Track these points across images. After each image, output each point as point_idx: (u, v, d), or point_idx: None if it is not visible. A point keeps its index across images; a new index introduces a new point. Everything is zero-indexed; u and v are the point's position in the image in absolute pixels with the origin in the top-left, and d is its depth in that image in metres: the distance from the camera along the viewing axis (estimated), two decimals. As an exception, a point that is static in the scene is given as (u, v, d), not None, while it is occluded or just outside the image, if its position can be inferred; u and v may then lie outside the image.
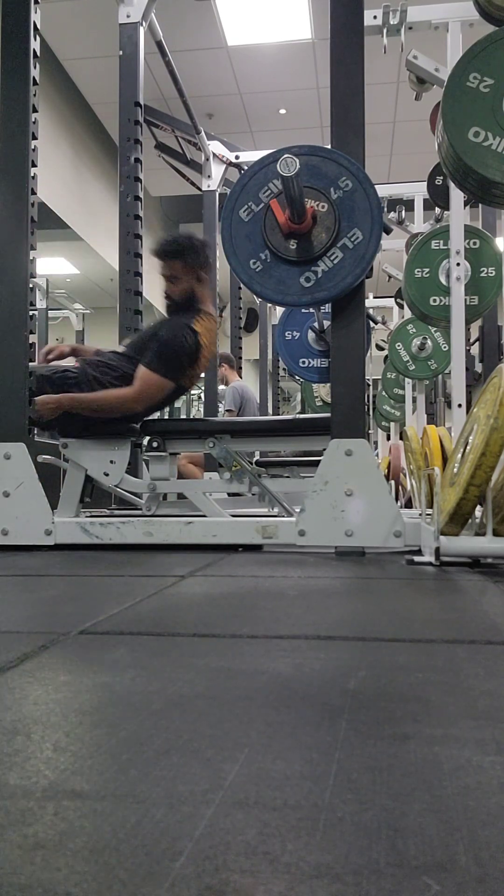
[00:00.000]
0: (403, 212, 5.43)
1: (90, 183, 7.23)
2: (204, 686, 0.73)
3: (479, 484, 1.67)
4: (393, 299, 6.83)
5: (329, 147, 2.10)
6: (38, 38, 2.44)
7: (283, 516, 2.35)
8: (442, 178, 3.98)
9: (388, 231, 2.14)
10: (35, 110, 2.38)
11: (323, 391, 5.63)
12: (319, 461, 2.07)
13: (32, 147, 2.36)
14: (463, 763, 0.53)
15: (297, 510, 2.13)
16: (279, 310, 5.35)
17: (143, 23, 3.48)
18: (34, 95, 2.38)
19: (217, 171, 5.14)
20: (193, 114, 4.70)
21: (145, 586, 1.44)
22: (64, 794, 0.48)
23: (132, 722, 0.63)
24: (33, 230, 2.35)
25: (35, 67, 2.40)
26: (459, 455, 1.97)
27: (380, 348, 5.70)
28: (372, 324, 5.00)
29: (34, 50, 2.40)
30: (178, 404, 8.42)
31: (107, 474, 2.45)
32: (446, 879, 0.38)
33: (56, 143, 6.38)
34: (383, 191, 4.94)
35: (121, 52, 3.48)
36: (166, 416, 4.37)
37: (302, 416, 2.51)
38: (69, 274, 9.04)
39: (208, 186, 5.15)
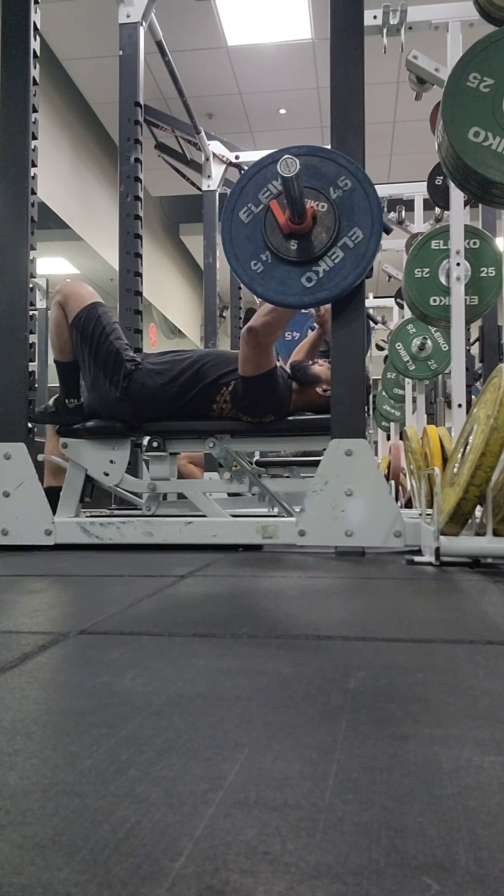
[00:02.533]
0: (403, 212, 5.43)
1: (90, 183, 7.23)
2: (204, 686, 0.73)
3: (479, 484, 1.67)
4: (393, 299, 6.83)
5: (329, 147, 2.10)
6: (38, 38, 2.44)
7: (283, 516, 2.35)
8: (442, 178, 3.98)
9: (388, 231, 2.14)
10: (35, 110, 2.38)
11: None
12: (319, 461, 2.07)
13: (32, 147, 2.36)
14: (463, 763, 0.53)
15: (297, 510, 2.13)
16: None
17: (143, 23, 3.49)
18: (34, 95, 2.38)
19: (217, 171, 5.15)
20: (193, 114, 4.70)
21: (145, 586, 1.44)
22: (64, 794, 0.48)
23: (132, 722, 0.63)
24: (33, 230, 2.36)
25: (35, 67, 2.40)
26: (459, 455, 1.97)
27: (380, 348, 5.69)
28: (372, 324, 4.99)
29: (34, 50, 2.40)
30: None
31: (107, 474, 2.44)
32: (446, 879, 0.38)
33: (56, 143, 6.39)
34: (383, 191, 4.94)
35: (121, 52, 3.49)
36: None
37: (302, 416, 2.50)
38: (69, 274, 9.04)
39: (208, 186, 5.15)
